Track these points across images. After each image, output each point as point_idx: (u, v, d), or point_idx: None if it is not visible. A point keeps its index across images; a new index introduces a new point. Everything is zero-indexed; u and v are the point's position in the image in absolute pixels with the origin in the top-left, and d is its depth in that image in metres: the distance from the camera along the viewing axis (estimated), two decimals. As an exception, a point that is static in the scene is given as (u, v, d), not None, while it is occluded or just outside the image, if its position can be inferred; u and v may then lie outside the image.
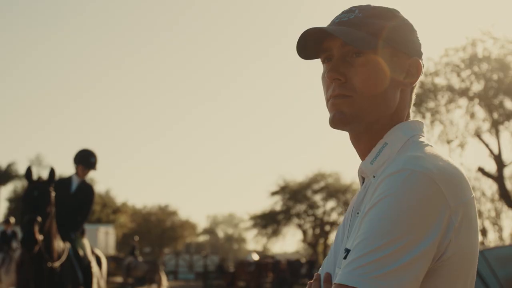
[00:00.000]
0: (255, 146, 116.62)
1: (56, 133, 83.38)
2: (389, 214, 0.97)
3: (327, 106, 1.18)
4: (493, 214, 23.99)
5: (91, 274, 5.61)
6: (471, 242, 1.04)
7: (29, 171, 5.01)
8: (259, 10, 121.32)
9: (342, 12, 1.20)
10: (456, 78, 15.31)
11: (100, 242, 27.18)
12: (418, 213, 0.96)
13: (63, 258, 5.20)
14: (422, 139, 1.15)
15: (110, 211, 41.64)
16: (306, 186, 31.83)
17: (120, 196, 63.07)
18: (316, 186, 32.07)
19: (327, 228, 31.80)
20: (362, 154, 1.20)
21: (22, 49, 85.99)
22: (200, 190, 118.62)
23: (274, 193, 32.03)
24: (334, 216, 31.83)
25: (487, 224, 23.68)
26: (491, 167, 16.33)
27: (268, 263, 22.08)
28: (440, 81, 15.51)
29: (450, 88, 15.30)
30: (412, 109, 1.24)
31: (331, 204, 31.89)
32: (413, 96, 1.24)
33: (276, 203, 32.19)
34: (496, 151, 15.33)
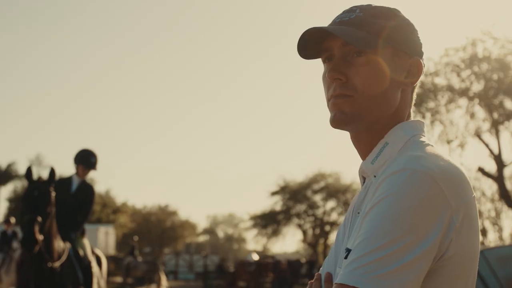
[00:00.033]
0: (255, 146, 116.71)
1: (56, 133, 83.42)
2: (390, 213, 0.97)
3: (328, 106, 1.18)
4: (493, 214, 23.98)
5: (91, 274, 5.61)
6: (472, 241, 1.04)
7: (29, 171, 5.00)
8: (259, 10, 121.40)
9: (343, 12, 1.20)
10: (456, 78, 15.32)
11: (100, 242, 27.19)
12: (419, 213, 0.96)
13: (63, 258, 5.20)
14: (423, 138, 1.15)
15: (110, 211, 41.63)
16: (306, 186, 31.85)
17: (120, 196, 63.10)
18: (316, 186, 32.09)
19: (327, 228, 31.81)
20: (363, 154, 1.20)
21: (22, 49, 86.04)
22: (200, 190, 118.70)
23: (274, 193, 32.05)
24: (334, 216, 31.86)
25: (487, 224, 23.67)
26: (491, 167, 16.35)
27: (269, 263, 22.08)
28: (440, 81, 15.53)
29: (450, 88, 15.31)
30: (412, 109, 1.24)
31: (331, 204, 31.93)
32: (414, 96, 1.24)
33: (276, 203, 32.23)
34: (496, 151, 15.34)
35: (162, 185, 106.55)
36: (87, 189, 5.98)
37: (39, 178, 5.08)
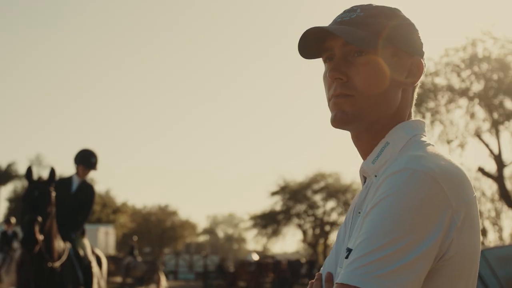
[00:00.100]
0: (255, 146, 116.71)
1: (56, 133, 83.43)
2: (391, 213, 0.97)
3: (328, 105, 1.18)
4: (493, 214, 23.99)
5: (92, 274, 5.61)
6: (473, 241, 1.04)
7: (29, 171, 5.00)
8: (259, 10, 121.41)
9: (344, 12, 1.20)
10: (456, 78, 15.33)
11: (100, 242, 27.18)
12: (420, 213, 0.96)
13: (64, 258, 5.20)
14: (423, 138, 1.15)
15: (110, 211, 41.63)
16: (306, 186, 31.85)
17: (120, 196, 63.09)
18: (316, 186, 32.08)
19: (327, 228, 31.81)
20: (364, 154, 1.20)
21: (22, 49, 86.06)
22: (200, 190, 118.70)
23: (274, 193, 32.05)
24: (334, 216, 31.86)
25: (487, 224, 23.68)
26: (491, 167, 16.35)
27: (269, 263, 22.08)
28: (440, 81, 15.54)
29: (450, 88, 15.31)
30: (412, 108, 1.24)
31: (331, 204, 31.94)
32: (415, 96, 1.24)
33: (276, 203, 32.23)
34: (496, 151, 15.35)
35: (162, 185, 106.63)
36: (87, 189, 5.98)
37: (39, 178, 5.08)
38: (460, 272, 1.03)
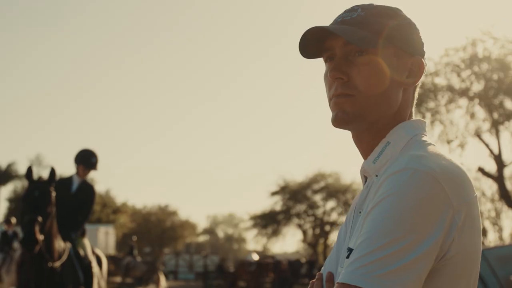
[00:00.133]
0: (255, 146, 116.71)
1: (56, 133, 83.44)
2: (392, 213, 0.97)
3: (329, 105, 1.18)
4: (493, 214, 24.01)
5: (92, 274, 5.61)
6: (474, 241, 1.04)
7: (29, 171, 5.00)
8: (259, 10, 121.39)
9: (345, 11, 1.20)
10: (456, 78, 15.33)
11: (100, 242, 27.17)
12: (421, 212, 0.96)
13: (64, 258, 5.20)
14: (424, 138, 1.15)
15: (110, 211, 41.62)
16: (306, 186, 31.84)
17: (120, 196, 63.09)
18: (316, 186, 32.08)
19: (327, 228, 31.81)
20: (365, 153, 1.20)
21: (22, 49, 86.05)
22: (200, 190, 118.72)
23: (274, 193, 32.04)
24: (334, 216, 31.85)
25: (487, 224, 23.70)
26: (491, 167, 16.36)
27: (269, 263, 22.08)
28: (440, 81, 15.54)
29: (450, 88, 15.31)
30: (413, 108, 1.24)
31: (331, 204, 31.93)
32: (416, 95, 1.24)
33: (276, 203, 32.22)
34: (496, 151, 15.34)
35: (162, 185, 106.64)
36: (87, 189, 5.98)
37: (40, 178, 5.07)
38: (461, 272, 1.02)
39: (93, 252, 6.02)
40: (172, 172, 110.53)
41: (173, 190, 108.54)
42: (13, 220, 13.63)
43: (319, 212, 32.04)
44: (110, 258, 22.50)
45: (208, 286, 21.65)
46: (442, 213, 0.98)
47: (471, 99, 15.23)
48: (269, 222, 32.32)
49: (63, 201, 5.57)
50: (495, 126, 15.11)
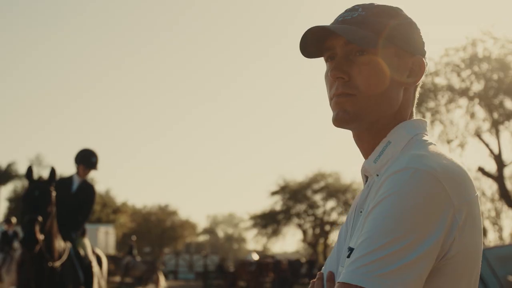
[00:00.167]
0: (255, 146, 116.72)
1: (56, 133, 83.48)
2: (393, 212, 0.97)
3: (330, 104, 1.18)
4: (493, 214, 23.99)
5: (92, 273, 5.61)
6: (475, 241, 1.04)
7: (29, 170, 5.00)
8: (259, 10, 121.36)
9: (346, 11, 1.20)
10: (456, 78, 15.32)
11: (100, 242, 27.17)
12: (422, 212, 0.96)
13: (64, 257, 5.20)
14: (425, 137, 1.15)
15: (110, 211, 41.62)
16: (306, 186, 31.84)
17: (120, 196, 63.17)
18: (316, 186, 32.08)
19: (327, 228, 31.81)
20: (365, 153, 1.20)
21: (22, 49, 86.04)
22: (200, 190, 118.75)
23: (274, 193, 32.04)
24: (334, 216, 31.86)
25: (487, 224, 23.68)
26: (491, 167, 16.35)
27: (269, 263, 22.07)
28: (440, 81, 15.53)
29: (450, 88, 15.31)
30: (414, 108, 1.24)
31: (331, 204, 31.93)
32: (417, 95, 1.24)
33: (276, 203, 32.23)
34: (496, 151, 15.34)
35: (162, 185, 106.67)
36: (87, 188, 5.98)
37: (40, 178, 5.07)
38: (462, 271, 1.02)
39: (93, 252, 6.02)
40: (172, 172, 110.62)
41: (173, 190, 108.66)
42: (14, 220, 13.62)
43: (319, 212, 32.04)
44: (110, 258, 22.50)
45: (208, 286, 21.65)
46: (443, 213, 0.98)
47: (471, 99, 15.22)
48: (269, 222, 32.32)
49: (63, 201, 5.57)
50: (495, 126, 15.10)
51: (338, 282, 0.99)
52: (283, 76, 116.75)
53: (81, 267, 5.51)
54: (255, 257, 26.98)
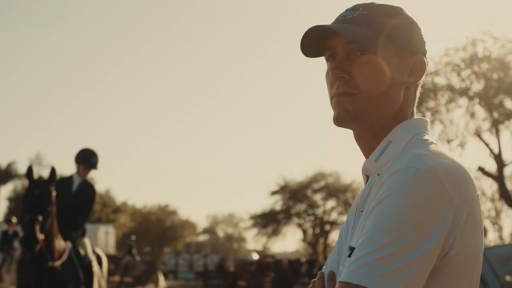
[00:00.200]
0: (255, 146, 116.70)
1: (56, 133, 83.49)
2: (394, 212, 0.97)
3: (331, 104, 1.18)
4: (493, 213, 24.01)
5: (92, 273, 5.61)
6: (476, 240, 1.04)
7: (30, 170, 4.99)
8: (259, 10, 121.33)
9: (346, 10, 1.20)
10: (456, 77, 15.31)
11: (100, 241, 27.16)
12: (423, 211, 0.96)
13: (64, 257, 5.20)
14: (426, 137, 1.15)
15: (110, 211, 41.61)
16: (306, 185, 31.83)
17: (120, 196, 63.18)
18: (316, 186, 32.06)
19: (327, 227, 31.80)
20: (366, 152, 1.20)
21: (22, 49, 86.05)
22: (200, 189, 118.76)
23: (274, 193, 32.03)
24: (334, 216, 31.84)
25: (487, 224, 23.70)
26: (491, 167, 16.34)
27: (270, 262, 22.07)
28: (440, 80, 15.52)
29: (450, 88, 15.30)
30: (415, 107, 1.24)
31: (331, 203, 31.91)
32: (418, 94, 1.24)
33: (276, 203, 32.22)
34: (496, 151, 15.33)
35: (162, 185, 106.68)
36: (88, 188, 5.97)
37: (40, 178, 5.07)
38: (463, 270, 1.02)
39: (94, 252, 6.02)
40: (172, 171, 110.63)
41: (173, 189, 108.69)
42: (14, 219, 13.61)
43: (319, 211, 32.03)
44: (110, 258, 22.51)
45: (208, 285, 21.65)
46: (444, 212, 0.98)
47: (471, 98, 15.22)
48: (269, 221, 32.31)
49: (64, 200, 5.57)
50: (495, 125, 15.10)
51: (339, 282, 0.99)
52: (283, 76, 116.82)
53: (81, 267, 5.51)
54: (255, 256, 26.98)
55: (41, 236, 4.69)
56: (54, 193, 5.01)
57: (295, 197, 31.59)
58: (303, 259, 27.34)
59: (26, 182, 5.49)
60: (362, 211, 1.15)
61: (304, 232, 32.74)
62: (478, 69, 14.89)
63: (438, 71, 15.35)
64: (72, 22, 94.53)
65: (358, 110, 1.14)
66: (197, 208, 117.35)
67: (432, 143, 1.12)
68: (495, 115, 14.99)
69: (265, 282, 20.99)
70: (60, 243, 5.19)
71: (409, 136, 1.15)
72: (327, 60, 1.21)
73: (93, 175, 44.39)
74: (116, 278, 21.27)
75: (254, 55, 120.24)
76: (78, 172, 5.99)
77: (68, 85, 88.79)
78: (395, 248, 0.94)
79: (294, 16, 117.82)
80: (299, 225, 32.55)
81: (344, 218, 30.04)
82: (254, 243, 37.76)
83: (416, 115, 1.24)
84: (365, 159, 1.20)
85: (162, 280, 17.34)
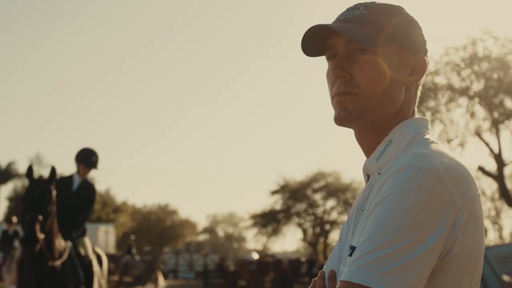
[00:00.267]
0: (255, 146, 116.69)
1: (56, 133, 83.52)
2: (395, 211, 0.97)
3: (332, 103, 1.18)
4: (493, 213, 24.00)
5: (92, 273, 5.61)
6: (477, 239, 1.03)
7: (30, 170, 4.99)
8: (259, 10, 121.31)
9: (347, 9, 1.20)
10: (456, 77, 15.31)
11: (100, 241, 27.16)
12: (424, 210, 0.96)
13: (65, 257, 5.20)
14: (427, 136, 1.15)
15: (110, 210, 41.61)
16: (306, 185, 31.82)
17: (120, 195, 63.21)
18: (316, 185, 32.06)
19: (327, 227, 31.80)
20: (367, 151, 1.19)
21: (22, 49, 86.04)
22: (200, 189, 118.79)
23: (274, 192, 32.03)
24: (334, 215, 31.84)
25: (487, 223, 23.70)
26: (491, 166, 16.34)
27: (270, 262, 22.07)
28: (440, 80, 15.52)
29: (450, 87, 15.30)
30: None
31: (331, 203, 31.90)
32: (418, 94, 1.24)
33: (276, 202, 32.21)
34: (496, 150, 15.34)
35: (162, 184, 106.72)
36: (88, 188, 5.97)
37: (40, 177, 5.06)
38: (464, 269, 1.02)
39: (94, 251, 6.02)
40: (172, 171, 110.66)
41: (173, 189, 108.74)
42: (14, 219, 13.61)
43: (319, 211, 32.02)
44: (110, 257, 22.51)
45: (208, 285, 21.66)
46: (445, 211, 0.98)
47: (471, 98, 15.21)
48: (269, 221, 32.30)
49: (64, 200, 5.57)
50: (495, 125, 15.10)
51: (340, 281, 0.99)
52: (283, 76, 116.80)
53: (82, 266, 5.51)
54: (255, 256, 26.98)
55: (41, 236, 4.69)
56: (54, 193, 5.01)
57: (295, 197, 31.58)
58: (303, 259, 27.36)
59: (26, 182, 5.49)
60: (363, 211, 1.15)
61: (304, 231, 32.74)
62: (478, 69, 14.89)
63: (438, 70, 15.35)
64: (72, 22, 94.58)
65: (358, 110, 1.13)
66: (197, 207, 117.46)
67: (433, 142, 1.12)
68: (495, 114, 14.99)
69: (265, 281, 21.00)
70: (60, 243, 5.19)
71: (410, 136, 1.15)
72: (328, 59, 1.21)
73: (93, 174, 44.38)
74: (116, 278, 21.28)
75: (254, 55, 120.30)
76: (78, 172, 5.99)
77: (68, 85, 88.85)
78: (396, 247, 0.94)
79: (294, 16, 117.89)
80: (299, 225, 32.55)
81: (344, 217, 30.04)
82: (254, 242, 37.81)
83: (417, 115, 1.24)
84: (366, 158, 1.20)
85: (161, 280, 17.34)
